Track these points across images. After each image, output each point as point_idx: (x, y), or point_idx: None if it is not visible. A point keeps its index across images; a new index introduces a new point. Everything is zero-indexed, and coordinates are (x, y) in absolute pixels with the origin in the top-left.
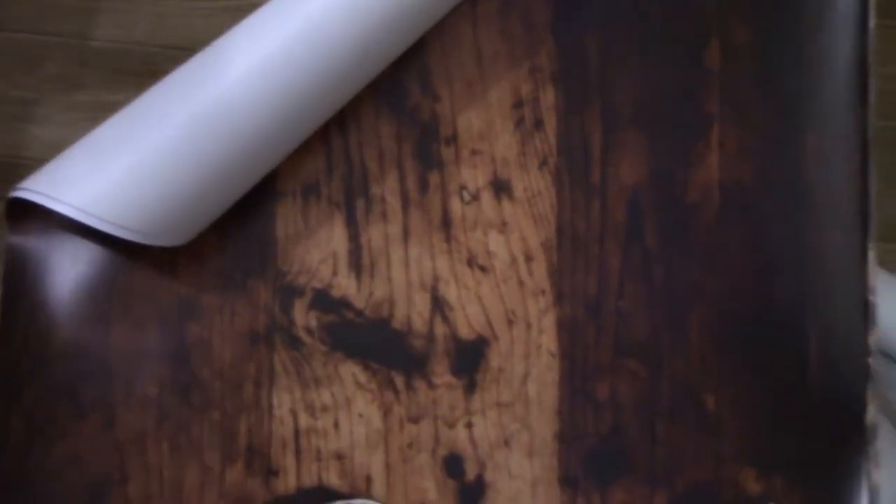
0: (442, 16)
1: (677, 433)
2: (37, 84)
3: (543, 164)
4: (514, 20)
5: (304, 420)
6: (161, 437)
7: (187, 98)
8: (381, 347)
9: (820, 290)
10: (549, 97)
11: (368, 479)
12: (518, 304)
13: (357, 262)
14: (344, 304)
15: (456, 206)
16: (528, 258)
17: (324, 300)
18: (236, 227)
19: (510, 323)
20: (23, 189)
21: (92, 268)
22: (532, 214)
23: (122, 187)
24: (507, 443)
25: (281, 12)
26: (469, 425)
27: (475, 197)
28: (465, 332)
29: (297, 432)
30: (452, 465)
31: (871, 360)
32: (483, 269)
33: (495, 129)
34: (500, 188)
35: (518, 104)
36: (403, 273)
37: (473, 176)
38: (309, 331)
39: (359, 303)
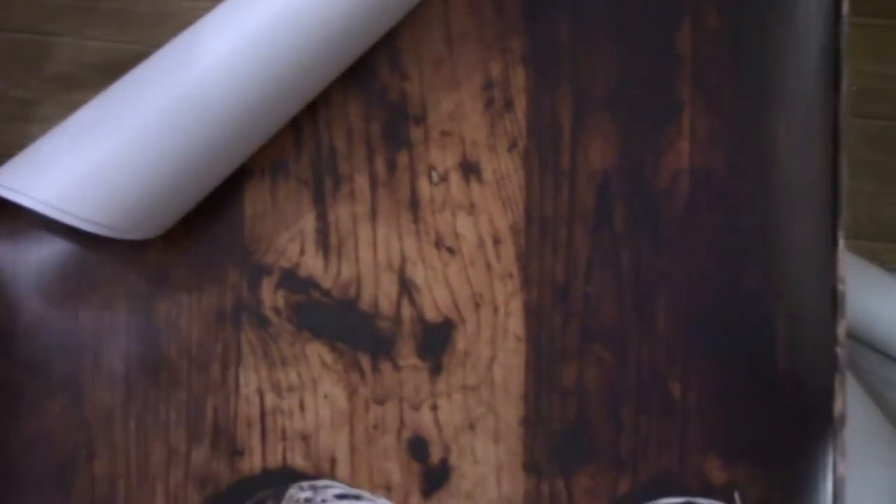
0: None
1: (642, 420)
2: (37, 84)
3: (513, 146)
4: (485, 0)
5: (270, 400)
6: (128, 416)
7: (158, 90)
8: (348, 328)
9: (789, 278)
10: (519, 78)
11: (333, 461)
12: (485, 288)
13: (325, 241)
14: (311, 283)
15: (424, 187)
16: (496, 241)
17: (291, 280)
18: (204, 205)
19: (477, 306)
20: None
21: (59, 246)
22: (501, 197)
23: (91, 181)
24: (472, 427)
25: (254, 1)
26: (434, 408)
27: (444, 178)
28: (431, 315)
29: (262, 412)
30: (417, 447)
31: (839, 350)
32: (451, 250)
33: (465, 110)
34: (469, 170)
35: (488, 85)
36: (371, 253)
37: (442, 157)
38: (276, 310)
39: (326, 283)
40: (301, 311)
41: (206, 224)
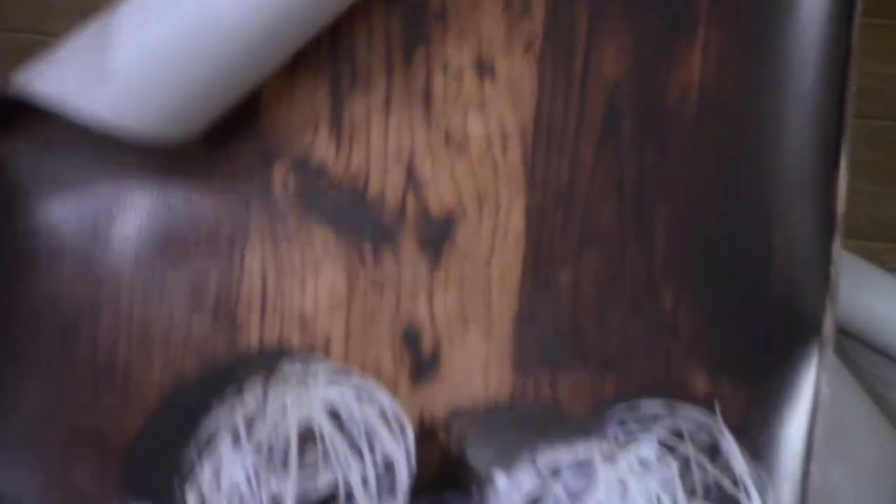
0: None
1: (632, 327)
2: None
3: (529, 48)
4: None
5: (272, 280)
6: (134, 286)
7: None
8: (354, 216)
9: (789, 197)
10: None
11: (327, 342)
12: (490, 186)
13: (338, 129)
14: (321, 170)
15: (438, 82)
16: (505, 141)
17: (302, 165)
18: None
19: (480, 204)
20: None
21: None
22: (512, 98)
23: (122, 84)
24: (465, 321)
25: None
26: (430, 300)
27: (458, 75)
28: (435, 209)
29: (264, 291)
30: (410, 337)
31: (832, 269)
32: (459, 147)
33: (484, 10)
34: (484, 68)
35: None
36: (382, 144)
37: (458, 54)
38: (286, 194)
39: (336, 170)
40: (309, 197)
41: None
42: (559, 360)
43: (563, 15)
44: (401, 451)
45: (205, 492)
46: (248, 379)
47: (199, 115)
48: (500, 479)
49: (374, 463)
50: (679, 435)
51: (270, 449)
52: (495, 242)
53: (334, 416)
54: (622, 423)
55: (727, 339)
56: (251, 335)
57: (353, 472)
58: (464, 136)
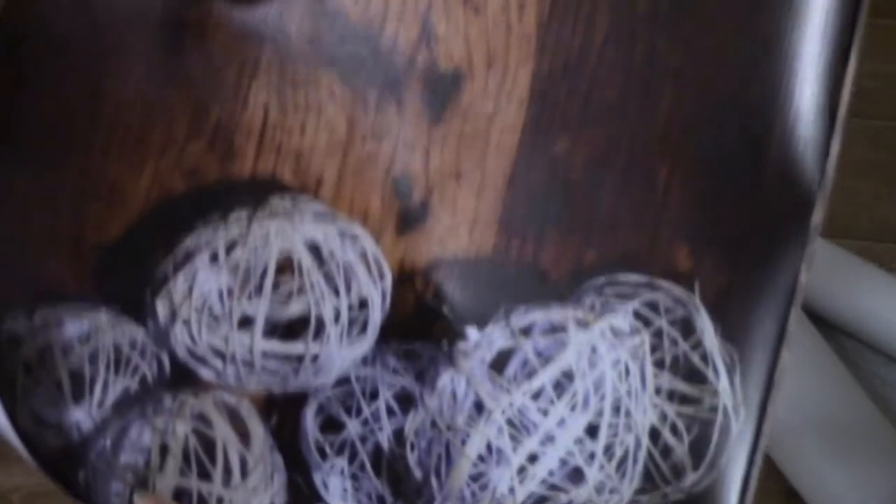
0: None
1: (622, 200)
2: None
3: None
4: None
5: (274, 115)
6: (137, 97)
7: None
8: (363, 64)
9: (795, 88)
10: None
11: (319, 182)
12: (500, 49)
13: None
14: (338, 14)
15: None
16: (521, 5)
17: (319, 6)
18: None
19: (489, 65)
20: None
21: None
22: None
23: None
24: (458, 177)
25: None
26: (427, 153)
27: None
28: (444, 64)
29: (264, 125)
30: (402, 186)
31: (828, 164)
32: (476, 9)
33: None
34: None
35: None
36: None
37: None
38: (300, 33)
39: (353, 15)
40: (322, 39)
41: None
42: (545, 225)
43: None
44: (377, 293)
45: (175, 303)
46: (235, 206)
47: None
48: (472, 334)
49: (349, 299)
50: (655, 308)
51: (247, 272)
52: (499, 104)
53: (315, 252)
54: (600, 292)
55: (715, 218)
56: (245, 165)
57: (326, 305)
58: None
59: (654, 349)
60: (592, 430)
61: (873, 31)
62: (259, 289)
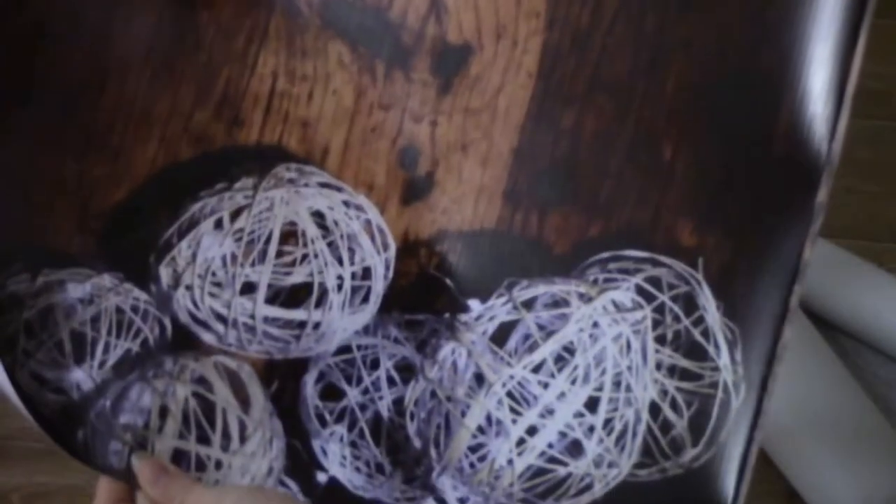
0: None
1: (627, 173)
2: None
3: None
4: None
5: (281, 84)
6: (145, 65)
7: None
8: (372, 33)
9: (804, 67)
10: None
11: (325, 151)
12: (510, 22)
13: None
14: None
15: None
16: None
17: None
18: None
19: (499, 37)
20: None
21: None
22: None
23: None
24: (464, 148)
25: None
26: (434, 124)
27: None
28: (454, 36)
29: (272, 93)
30: (408, 157)
31: (834, 145)
32: None
33: None
34: None
35: None
36: None
37: None
38: (310, 5)
39: None
40: (332, 9)
41: None
42: (550, 198)
43: None
44: (380, 262)
45: (179, 268)
46: (240, 175)
47: None
48: (475, 306)
49: (352, 268)
50: (658, 284)
51: (251, 240)
52: (506, 77)
53: (320, 221)
54: (603, 267)
55: (720, 195)
56: (251, 133)
57: (329, 273)
58: None
59: (655, 324)
60: (592, 404)
61: (874, 30)
62: (263, 256)
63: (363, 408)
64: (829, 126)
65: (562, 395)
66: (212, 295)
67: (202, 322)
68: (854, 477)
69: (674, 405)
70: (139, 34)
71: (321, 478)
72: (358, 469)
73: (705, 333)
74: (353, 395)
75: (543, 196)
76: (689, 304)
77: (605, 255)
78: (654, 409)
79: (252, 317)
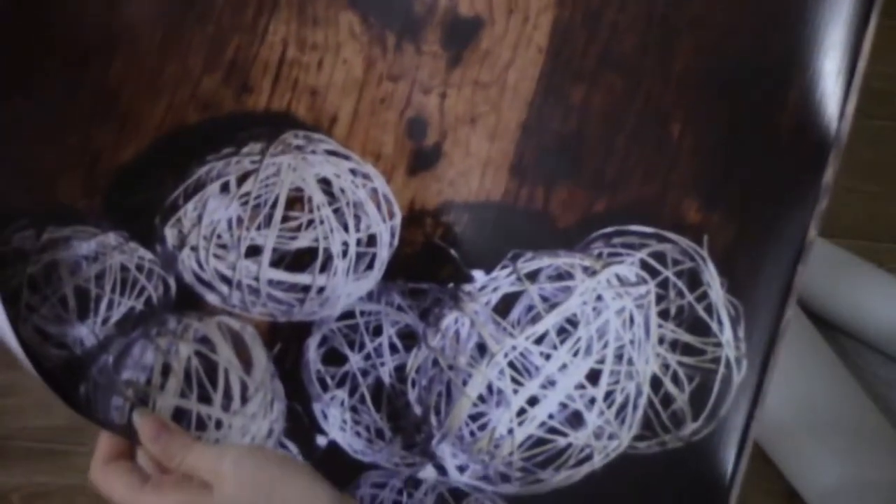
0: None
1: (634, 150)
2: None
3: None
4: None
5: (291, 52)
6: (154, 31)
7: None
8: (383, 4)
9: (815, 48)
10: None
11: (333, 120)
12: None
13: None
14: None
15: None
16: None
17: None
18: None
19: (510, 12)
20: None
21: None
22: None
23: None
24: (473, 120)
25: None
26: (443, 96)
27: None
28: (465, 9)
29: (281, 61)
30: (416, 127)
31: (842, 125)
32: None
33: None
34: None
35: None
36: None
37: None
38: None
39: None
40: None
41: None
42: (557, 172)
43: None
44: (385, 230)
45: (184, 230)
46: (248, 141)
47: None
48: (479, 276)
49: (357, 234)
50: (662, 259)
51: (258, 204)
52: (517, 52)
53: (326, 188)
54: (608, 241)
55: (727, 173)
56: (260, 100)
57: (335, 239)
58: None
59: (659, 299)
60: (594, 377)
61: (876, 31)
62: (268, 220)
63: (365, 373)
64: (837, 107)
65: (563, 366)
66: (216, 256)
67: (206, 283)
68: (854, 477)
69: (675, 379)
70: (148, 3)
71: (321, 441)
72: (358, 434)
73: (708, 309)
74: (355, 361)
75: (550, 170)
76: (694, 279)
77: (610, 229)
78: (656, 382)
79: (256, 279)
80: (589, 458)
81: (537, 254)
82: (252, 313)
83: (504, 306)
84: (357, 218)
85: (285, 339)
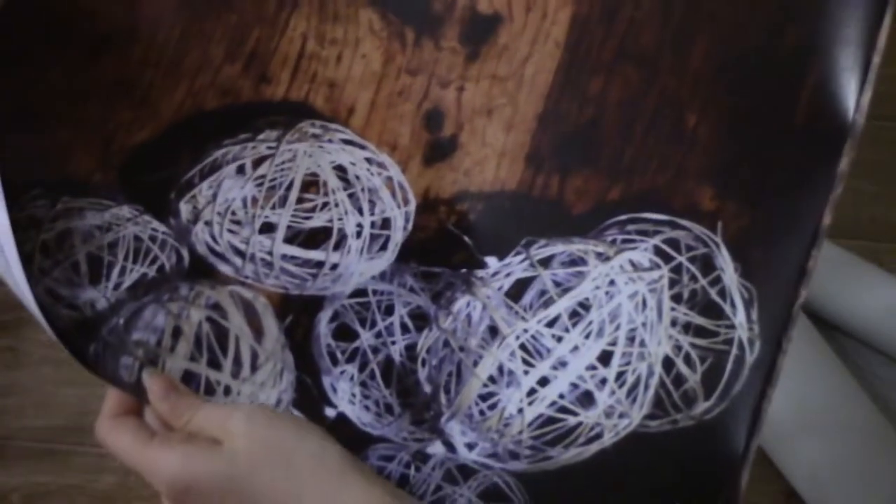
0: None
1: (650, 140)
2: None
3: None
4: None
5: (311, 46)
6: (176, 20)
7: None
8: (403, 3)
9: (830, 43)
10: None
11: (351, 111)
12: None
13: None
14: None
15: None
16: None
17: None
18: None
19: (528, 9)
20: None
21: None
22: None
23: None
24: (489, 113)
25: None
26: (460, 89)
27: None
28: (484, 6)
29: (301, 54)
30: (433, 119)
31: (857, 118)
32: None
33: None
34: None
35: None
36: None
37: None
38: None
39: None
40: None
41: None
42: (572, 162)
43: None
44: (400, 214)
45: (199, 205)
46: (265, 127)
47: None
48: (492, 262)
49: (372, 217)
50: (676, 246)
51: (272, 187)
52: (534, 47)
53: (342, 174)
54: (622, 228)
55: (741, 162)
56: (278, 88)
57: (349, 220)
58: None
59: (672, 284)
60: (605, 358)
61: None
62: (283, 201)
63: (375, 350)
64: (853, 99)
65: (575, 348)
66: (230, 231)
67: (220, 254)
68: (854, 477)
69: (687, 360)
70: None
71: (329, 413)
72: (367, 407)
73: (722, 293)
74: (365, 338)
75: (566, 160)
76: (707, 265)
77: (624, 216)
78: (668, 363)
79: (270, 253)
80: (599, 436)
81: (551, 240)
82: (265, 285)
83: (516, 291)
84: (371, 203)
85: (297, 312)
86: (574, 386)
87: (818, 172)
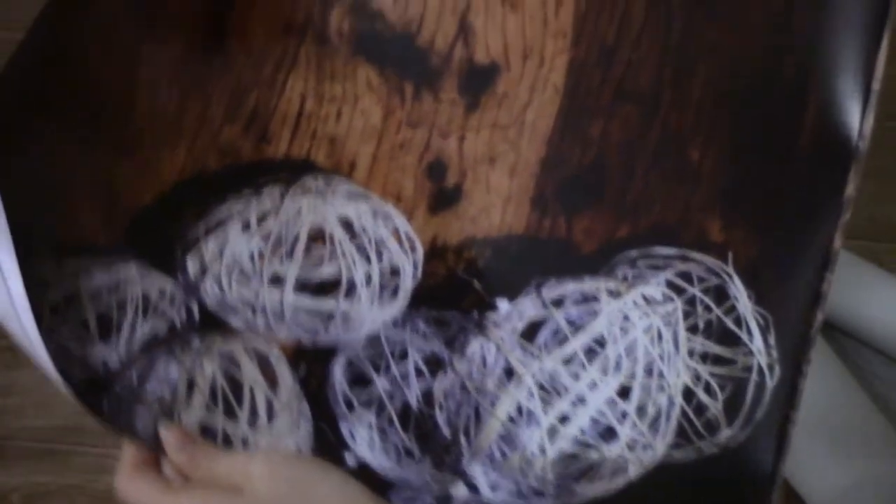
0: None
1: (654, 176)
2: None
3: None
4: None
5: (310, 105)
6: (176, 78)
7: None
8: (401, 58)
9: (828, 70)
10: None
11: (353, 165)
12: (537, 42)
13: None
14: (378, 15)
15: None
16: (559, 2)
17: (361, 9)
18: None
19: (525, 57)
20: None
21: None
22: None
23: None
24: (492, 160)
25: None
26: (462, 139)
27: None
28: (481, 57)
29: (300, 113)
30: (436, 170)
31: (860, 144)
32: (513, 5)
33: None
34: None
35: None
36: None
37: None
38: (340, 34)
39: (392, 16)
40: (362, 39)
41: None
42: (578, 203)
43: None
44: (408, 261)
45: (206, 261)
46: (268, 183)
47: None
48: (503, 305)
49: (380, 266)
50: (688, 278)
51: (278, 241)
52: (534, 94)
53: (347, 226)
54: (633, 264)
55: (748, 191)
56: (279, 147)
57: (358, 269)
58: None
59: (687, 315)
60: (624, 392)
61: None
62: (290, 253)
63: (391, 396)
64: (856, 123)
65: (593, 384)
66: (239, 284)
67: (231, 307)
68: (854, 476)
69: (708, 389)
70: (168, 56)
71: (350, 460)
72: (386, 452)
73: (737, 321)
74: (381, 384)
75: (571, 202)
76: (721, 294)
77: (634, 253)
78: (688, 393)
79: (280, 304)
80: (624, 469)
81: (562, 280)
82: (277, 335)
83: (530, 332)
84: (379, 252)
85: (310, 361)
86: (595, 421)
87: (825, 198)
